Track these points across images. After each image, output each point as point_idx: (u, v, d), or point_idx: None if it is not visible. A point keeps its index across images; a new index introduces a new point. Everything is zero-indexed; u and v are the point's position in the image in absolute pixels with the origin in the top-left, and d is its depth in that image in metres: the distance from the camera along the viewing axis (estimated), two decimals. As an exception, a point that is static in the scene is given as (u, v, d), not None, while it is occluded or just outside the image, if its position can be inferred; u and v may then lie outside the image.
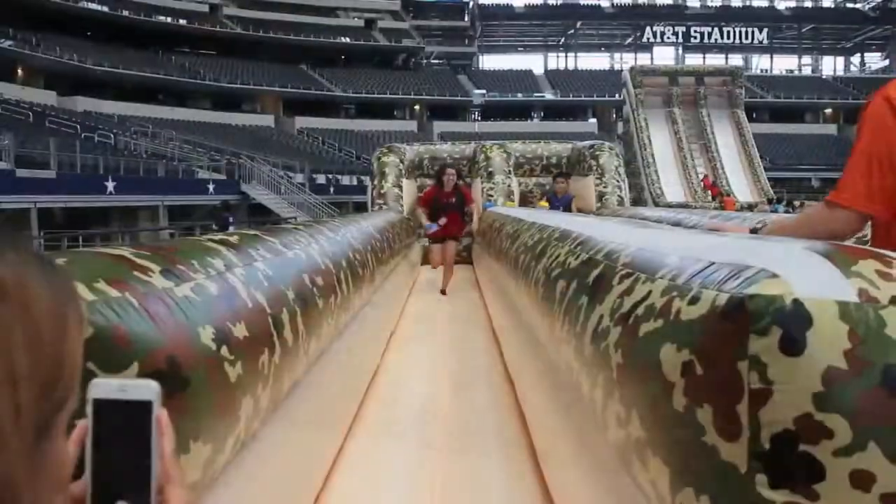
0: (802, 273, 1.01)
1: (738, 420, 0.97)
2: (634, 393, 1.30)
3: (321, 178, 36.86)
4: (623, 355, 1.40)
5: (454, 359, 4.75)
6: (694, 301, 1.13)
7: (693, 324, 1.11)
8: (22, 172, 20.42)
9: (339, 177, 38.45)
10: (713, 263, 1.21)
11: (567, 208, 8.49)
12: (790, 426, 0.93)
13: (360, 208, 28.45)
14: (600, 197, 9.41)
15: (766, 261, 1.08)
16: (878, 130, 1.79)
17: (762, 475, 0.95)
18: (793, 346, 0.94)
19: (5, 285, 0.53)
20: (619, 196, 9.43)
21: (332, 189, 34.95)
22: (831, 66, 73.58)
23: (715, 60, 63.46)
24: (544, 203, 9.02)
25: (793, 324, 0.95)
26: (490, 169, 9.93)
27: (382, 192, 9.53)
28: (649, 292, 1.37)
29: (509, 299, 4.18)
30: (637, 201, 11.56)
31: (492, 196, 9.75)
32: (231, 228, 14.55)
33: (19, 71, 41.09)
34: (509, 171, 10.01)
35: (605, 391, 1.52)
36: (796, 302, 0.96)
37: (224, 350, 1.42)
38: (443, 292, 7.73)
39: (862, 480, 0.90)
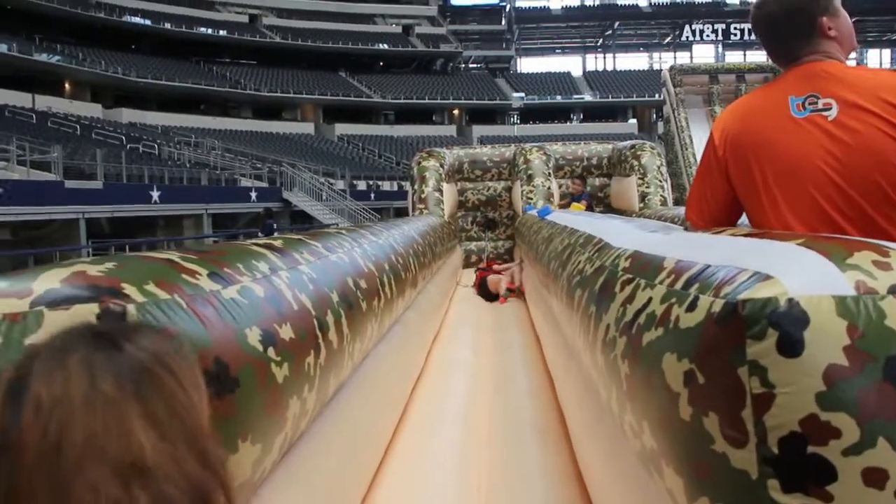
0: (797, 271, 1.00)
1: (744, 426, 0.96)
2: (643, 404, 1.30)
3: (362, 185, 37.09)
4: (630, 366, 1.39)
5: (495, 360, 4.75)
6: (692, 308, 1.12)
7: (691, 332, 1.09)
8: (70, 183, 20.85)
9: (380, 182, 38.66)
10: (709, 266, 1.20)
11: (590, 209, 8.79)
12: (797, 429, 0.91)
13: (401, 213, 28.51)
14: (643, 197, 9.31)
15: (761, 261, 1.07)
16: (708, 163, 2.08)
17: (774, 480, 0.93)
18: (791, 347, 0.93)
19: (168, 362, 0.70)
20: (661, 196, 9.33)
21: (372, 195, 35.15)
22: (877, 58, 72.13)
23: (755, 57, 62.57)
24: (578, 206, 9.01)
25: (789, 325, 0.94)
26: (530, 171, 9.89)
27: (423, 196, 9.54)
28: (649, 299, 1.36)
29: (546, 304, 4.17)
30: (679, 202, 11.42)
31: (531, 199, 9.72)
32: (275, 234, 14.72)
33: (66, 85, 42.04)
34: (549, 173, 9.96)
35: (618, 402, 1.52)
36: (791, 302, 0.95)
37: (271, 351, 1.43)
38: (492, 296, 7.74)
39: (875, 478, 0.88)
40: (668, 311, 1.21)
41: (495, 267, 8.68)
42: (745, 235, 1.44)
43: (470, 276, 8.85)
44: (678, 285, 1.25)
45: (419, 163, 9.90)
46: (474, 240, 10.59)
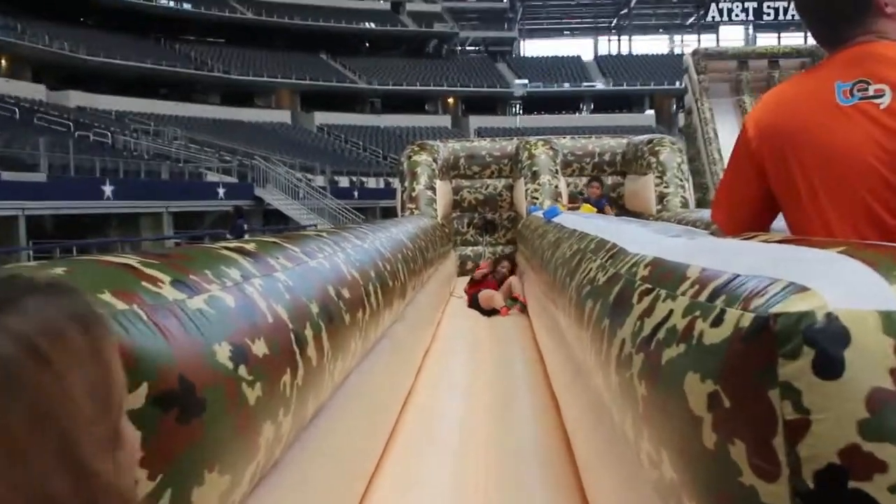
0: (837, 282, 0.98)
1: (775, 457, 0.94)
2: (662, 429, 1.29)
3: (344, 181, 37.14)
4: (647, 387, 1.39)
5: (494, 381, 4.76)
6: (717, 322, 1.11)
7: (717, 349, 1.08)
8: (7, 176, 20.67)
9: (364, 179, 38.74)
10: (737, 276, 1.19)
11: (601, 209, 8.83)
12: (835, 460, 0.90)
13: (389, 214, 28.43)
14: (661, 198, 9.34)
15: (796, 270, 1.06)
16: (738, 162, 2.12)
17: (810, 518, 0.91)
18: (829, 367, 0.91)
19: (44, 349, 0.61)
20: (682, 197, 9.35)
21: (356, 192, 35.20)
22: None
23: (791, 40, 62.83)
24: (589, 207, 9.05)
25: (827, 342, 0.92)
26: (535, 168, 9.91)
27: (413, 195, 9.55)
28: (670, 312, 1.36)
29: (551, 317, 4.17)
30: (703, 203, 11.37)
31: (537, 199, 9.74)
32: (246, 237, 14.70)
33: (3, 61, 41.37)
34: (556, 170, 9.99)
35: (634, 427, 1.52)
36: (830, 317, 0.93)
37: (242, 370, 1.43)
38: (501, 311, 7.75)
39: (926, 519, 0.86)
40: (690, 326, 1.21)
41: (483, 267, 8.70)
42: (779, 242, 1.44)
43: (461, 283, 8.87)
44: (703, 297, 1.25)
45: (409, 157, 9.92)
46: (471, 244, 10.62)
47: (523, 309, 7.41)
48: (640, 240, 2.38)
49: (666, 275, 1.57)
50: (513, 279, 8.08)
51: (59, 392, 0.60)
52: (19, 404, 0.57)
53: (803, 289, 1.00)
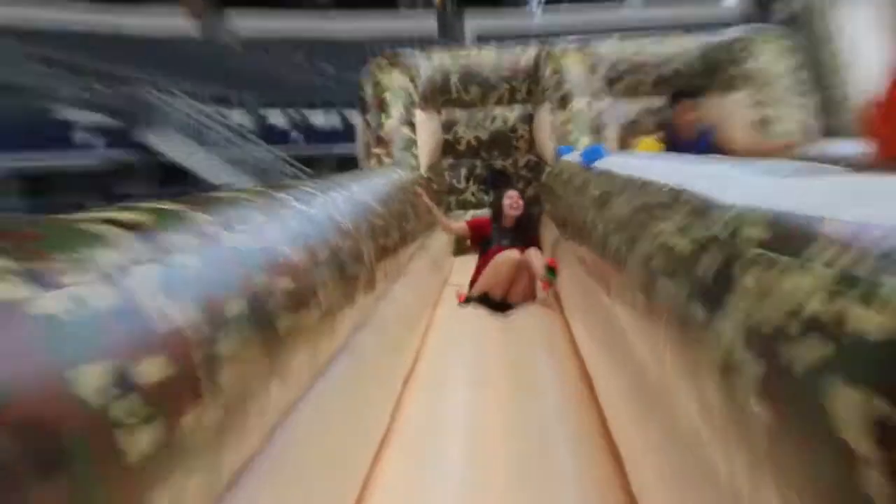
0: None
1: None
2: (797, 475, 1.29)
3: (278, 117, 37.17)
4: (772, 411, 1.38)
5: (515, 421, 4.74)
6: (883, 305, 1.10)
7: (881, 348, 1.07)
8: None
9: (309, 113, 38.74)
10: None
11: (707, 150, 8.36)
12: None
13: (347, 165, 28.36)
14: (762, 125, 9.32)
15: None
16: None
17: None
18: None
19: None
20: (798, 122, 9.33)
21: (297, 135, 35.25)
22: None
23: None
24: (651, 143, 8.95)
25: None
26: (564, 89, 9.91)
27: (382, 135, 9.55)
28: (803, 292, 1.35)
29: (599, 308, 4.23)
30: (832, 130, 11.15)
31: (569, 135, 9.73)
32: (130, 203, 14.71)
33: None
34: (599, 88, 9.99)
35: (750, 474, 1.52)
36: None
37: (121, 405, 1.42)
38: (502, 305, 7.76)
39: None
40: (839, 313, 1.20)
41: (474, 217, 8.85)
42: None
43: (464, 267, 8.87)
44: (852, 267, 1.23)
45: (376, 78, 9.91)
46: (472, 206, 10.64)
47: (550, 279, 7.47)
48: (737, 185, 2.36)
49: (788, 235, 1.55)
50: (532, 253, 8.08)
51: None
52: None
53: None
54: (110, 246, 1.72)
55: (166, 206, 2.35)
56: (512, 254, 7.88)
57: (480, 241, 8.50)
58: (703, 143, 8.51)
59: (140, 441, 1.45)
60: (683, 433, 2.26)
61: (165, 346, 1.65)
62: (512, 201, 8.38)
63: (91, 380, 1.37)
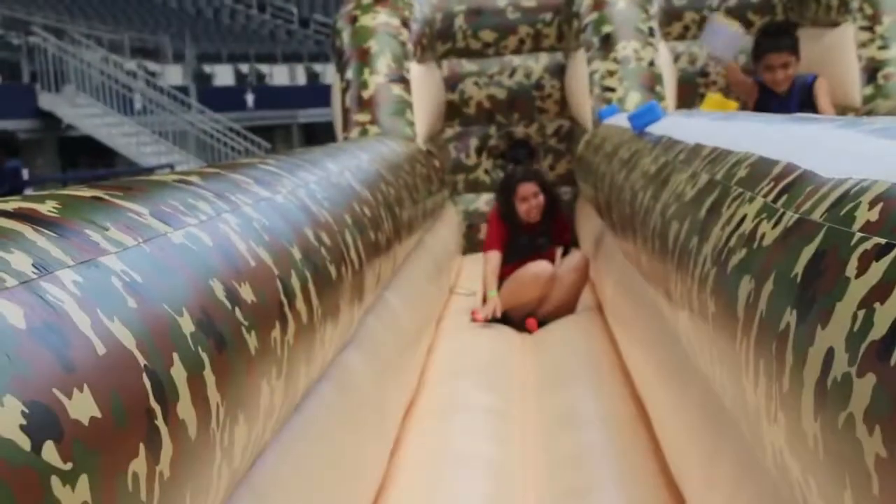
0: None
1: None
2: None
3: (224, 74, 37.04)
4: (884, 438, 1.40)
5: (552, 471, 4.75)
6: None
7: None
8: None
9: (264, 69, 38.60)
10: None
11: (806, 107, 8.28)
12: None
13: (318, 138, 28.06)
14: (872, 72, 9.28)
15: None
16: None
17: None
18: None
19: None
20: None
21: (249, 98, 35.13)
22: None
23: None
24: (720, 100, 8.90)
25: None
26: (607, 29, 9.90)
27: (366, 96, 9.53)
28: None
29: (652, 315, 4.30)
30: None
31: (613, 90, 9.73)
32: (29, 192, 14.67)
33: None
34: (650, 29, 9.97)
35: None
36: None
37: (49, 451, 1.42)
38: (528, 324, 7.76)
39: None
40: None
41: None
42: None
43: (474, 267, 8.86)
44: None
45: (354, 21, 9.89)
46: (487, 188, 10.62)
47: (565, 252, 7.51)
48: (844, 153, 2.36)
49: None
50: (569, 262, 8.07)
51: None
52: None
53: None
54: (21, 248, 1.74)
55: (84, 193, 2.36)
56: (539, 268, 7.92)
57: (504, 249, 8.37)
58: (799, 95, 8.44)
59: (76, 494, 1.45)
60: (767, 472, 2.28)
61: (98, 376, 1.64)
62: (528, 205, 8.20)
63: (9, 417, 1.37)
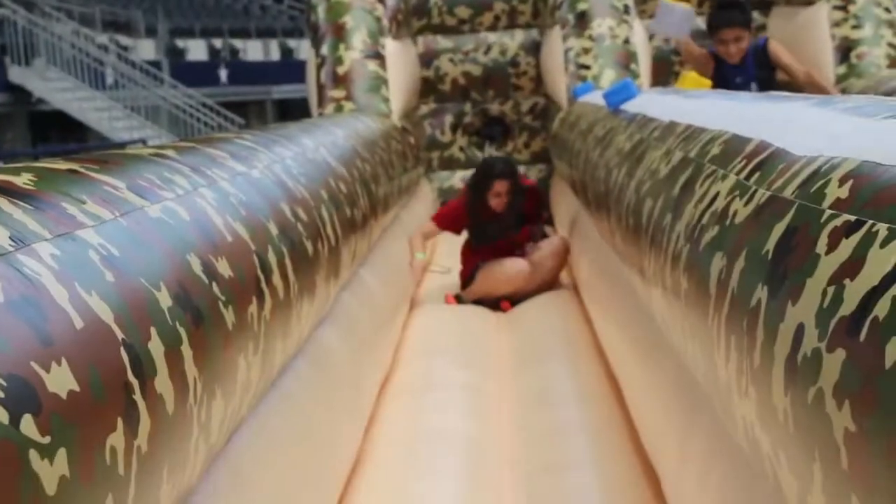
0: None
1: None
2: (886, 494, 1.31)
3: (197, 48, 36.84)
4: (854, 412, 1.40)
5: (517, 431, 4.77)
6: None
7: None
8: None
9: (239, 44, 38.40)
10: None
11: (765, 81, 8.49)
12: None
13: (293, 114, 27.75)
14: (845, 51, 9.27)
15: None
16: None
17: None
18: None
19: None
20: (890, 47, 9.30)
21: (222, 73, 34.97)
22: None
23: None
24: (696, 78, 8.92)
25: None
26: (583, 6, 9.89)
27: (341, 72, 9.51)
28: None
29: (627, 292, 4.34)
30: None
31: (588, 68, 9.73)
32: None
33: None
34: (625, 6, 9.96)
35: (823, 487, 1.54)
36: None
37: (27, 424, 1.43)
38: (502, 305, 7.77)
39: None
40: None
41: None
42: None
43: (450, 246, 8.83)
44: None
45: (330, -5, 9.86)
46: (462, 165, 10.61)
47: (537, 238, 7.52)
48: (813, 130, 2.37)
49: (885, 195, 1.56)
50: (543, 249, 8.06)
51: None
52: None
53: None
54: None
55: (60, 166, 2.35)
56: (514, 270, 7.91)
57: (460, 231, 8.39)
58: (757, 68, 8.56)
59: (54, 468, 1.46)
60: (739, 446, 2.30)
61: (77, 347, 1.64)
62: (500, 200, 8.12)
63: None
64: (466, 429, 4.92)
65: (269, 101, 34.20)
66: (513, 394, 5.60)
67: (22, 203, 1.86)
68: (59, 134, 28.57)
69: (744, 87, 8.25)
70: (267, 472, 2.90)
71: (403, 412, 5.13)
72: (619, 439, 4.49)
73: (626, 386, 4.77)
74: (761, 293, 1.90)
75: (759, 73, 8.55)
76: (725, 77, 8.46)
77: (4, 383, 1.41)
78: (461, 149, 10.63)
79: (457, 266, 8.32)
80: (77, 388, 1.59)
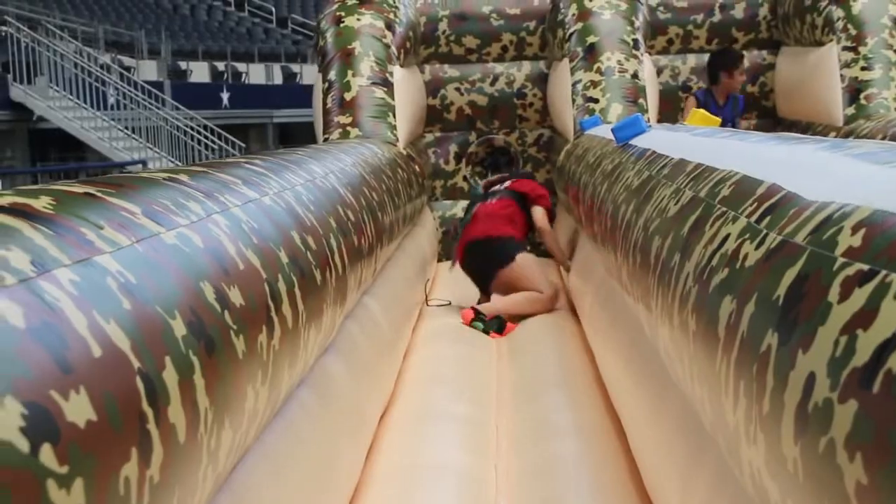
0: None
1: None
2: None
3: (201, 70, 36.74)
4: (864, 463, 1.41)
5: (515, 463, 4.77)
6: None
7: None
8: None
9: (242, 67, 38.30)
10: None
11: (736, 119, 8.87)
12: None
13: (296, 139, 27.54)
14: (855, 93, 9.24)
15: None
16: None
17: None
18: None
19: None
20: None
21: (225, 96, 34.87)
22: None
23: None
24: (706, 115, 8.93)
25: None
26: (592, 39, 9.88)
27: (348, 97, 9.50)
28: None
29: (632, 329, 4.32)
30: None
31: (596, 101, 9.71)
32: None
33: None
34: (637, 40, 9.95)
35: None
36: None
37: (46, 453, 1.44)
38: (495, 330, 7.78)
39: None
40: None
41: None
42: None
43: (449, 275, 8.81)
44: None
45: (338, 21, 9.84)
46: (464, 195, 10.59)
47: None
48: (824, 174, 2.38)
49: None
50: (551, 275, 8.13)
51: None
52: None
53: None
54: (20, 245, 1.74)
55: (76, 189, 2.35)
56: (540, 301, 8.10)
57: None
58: (728, 111, 8.76)
59: (71, 498, 1.47)
60: (744, 491, 2.29)
61: (97, 377, 1.65)
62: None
63: (8, 419, 1.38)
64: (464, 461, 4.91)
65: (270, 124, 34.10)
66: (511, 426, 5.59)
67: (42, 227, 1.87)
68: (58, 152, 28.48)
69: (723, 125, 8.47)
70: (269, 500, 2.90)
71: (403, 442, 5.11)
72: (618, 475, 4.47)
73: (627, 421, 4.76)
74: (771, 339, 1.90)
75: (732, 119, 9.00)
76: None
77: (25, 412, 1.42)
78: (465, 178, 10.62)
79: (455, 298, 8.35)
80: (95, 418, 1.60)
